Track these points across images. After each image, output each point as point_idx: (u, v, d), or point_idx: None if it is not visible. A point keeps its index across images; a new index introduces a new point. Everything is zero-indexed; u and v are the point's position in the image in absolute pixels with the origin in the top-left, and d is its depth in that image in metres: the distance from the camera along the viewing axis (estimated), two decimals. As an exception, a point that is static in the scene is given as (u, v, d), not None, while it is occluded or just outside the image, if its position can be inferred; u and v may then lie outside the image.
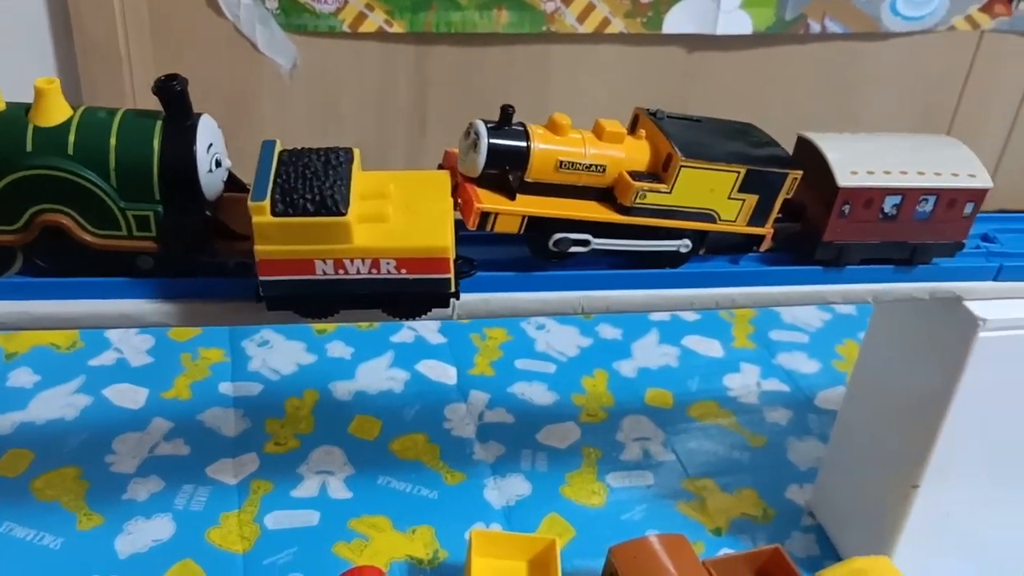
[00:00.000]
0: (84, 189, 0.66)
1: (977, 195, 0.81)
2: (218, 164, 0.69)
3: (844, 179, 0.78)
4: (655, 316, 1.45)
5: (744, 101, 1.59)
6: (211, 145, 0.68)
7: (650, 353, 1.38)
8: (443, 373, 1.30)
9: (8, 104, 0.66)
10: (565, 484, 1.12)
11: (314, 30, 1.35)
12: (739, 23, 1.48)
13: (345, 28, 1.36)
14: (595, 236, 0.74)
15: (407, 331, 1.37)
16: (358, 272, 0.66)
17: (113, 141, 0.66)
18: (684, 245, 0.77)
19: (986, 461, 0.93)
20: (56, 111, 0.66)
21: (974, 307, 0.85)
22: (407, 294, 0.67)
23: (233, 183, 0.72)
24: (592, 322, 1.43)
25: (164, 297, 0.70)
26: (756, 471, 1.17)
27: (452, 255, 0.66)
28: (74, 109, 0.67)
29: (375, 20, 1.36)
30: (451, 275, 0.67)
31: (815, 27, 1.53)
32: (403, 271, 0.66)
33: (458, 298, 0.69)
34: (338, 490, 1.08)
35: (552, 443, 1.19)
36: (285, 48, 1.36)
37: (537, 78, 1.48)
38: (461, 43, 1.42)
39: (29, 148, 0.65)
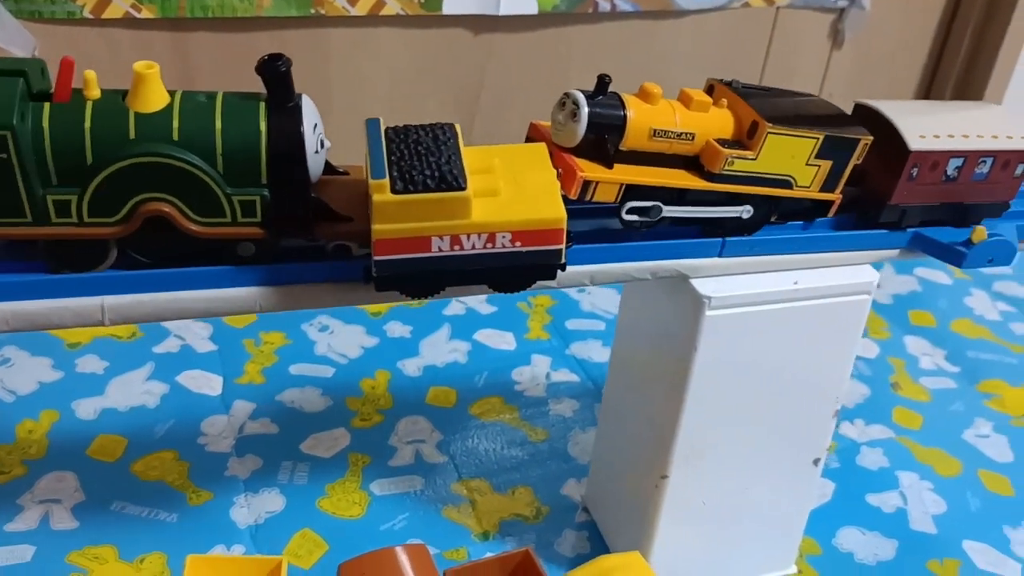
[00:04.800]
0: (190, 176, 0.64)
1: None
2: (322, 145, 0.67)
3: (915, 143, 0.80)
4: (448, 311, 1.39)
5: (540, 83, 1.54)
6: (316, 125, 0.66)
7: (439, 350, 1.31)
8: (207, 384, 1.20)
9: (103, 91, 0.63)
10: (323, 496, 1.04)
11: (51, 17, 1.24)
12: (523, 3, 1.43)
13: (87, 14, 1.24)
14: (679, 204, 0.75)
15: (173, 340, 1.27)
16: (473, 247, 0.66)
17: (219, 125, 0.63)
18: (746, 211, 0.78)
19: (732, 446, 0.89)
20: (156, 96, 0.63)
21: (700, 285, 0.80)
22: (517, 267, 0.68)
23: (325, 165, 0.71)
24: (381, 320, 1.36)
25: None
26: (533, 468, 1.12)
27: (566, 226, 0.67)
28: (171, 94, 0.64)
29: (120, 5, 1.25)
30: (563, 246, 0.67)
31: (604, 5, 1.48)
32: (517, 244, 0.66)
33: (564, 269, 0.69)
34: (62, 520, 0.98)
35: (317, 453, 1.11)
36: (20, 37, 1.24)
37: (314, 63, 1.40)
38: (223, 28, 1.32)
39: (132, 136, 0.62)
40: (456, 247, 0.66)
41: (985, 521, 1.09)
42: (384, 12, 1.37)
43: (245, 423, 1.14)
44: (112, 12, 1.25)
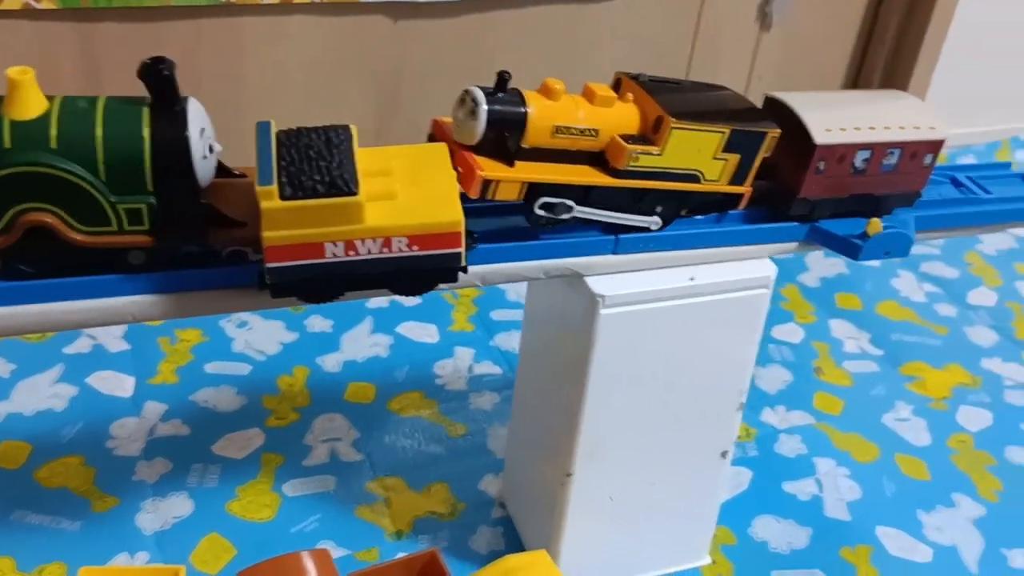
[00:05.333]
0: (71, 185, 0.62)
1: (936, 146, 0.85)
2: (211, 150, 0.66)
3: (820, 137, 0.80)
4: (371, 303, 1.37)
5: (465, 70, 1.51)
6: (203, 130, 0.64)
7: (360, 344, 1.29)
8: (118, 385, 1.17)
9: None
10: (234, 499, 1.03)
11: (-54, 9, 1.19)
12: (442, -12, 1.40)
13: (-16, 6, 1.20)
14: (586, 201, 0.75)
15: (84, 339, 1.24)
16: (369, 252, 0.65)
17: (99, 132, 0.62)
18: (654, 222, 0.78)
19: (637, 442, 0.88)
20: (33, 103, 0.61)
21: (594, 283, 0.79)
22: (416, 271, 0.67)
23: (219, 168, 0.69)
24: (301, 315, 1.33)
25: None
26: (451, 464, 1.11)
27: (463, 229, 0.66)
28: (49, 100, 0.62)
29: (19, -5, 1.21)
30: (463, 249, 0.67)
31: (526, -10, 1.46)
32: (415, 248, 0.66)
33: (466, 271, 0.69)
34: (-41, 532, 0.96)
35: (228, 454, 1.09)
36: (-87, 30, 1.20)
37: (229, 52, 1.36)
38: (130, 18, 1.28)
39: (7, 144, 0.60)
40: (351, 252, 0.65)
41: (899, 506, 1.10)
42: (299, 0, 1.34)
43: (156, 425, 1.12)
44: (10, 3, 1.21)
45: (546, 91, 0.72)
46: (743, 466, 1.14)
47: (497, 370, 1.27)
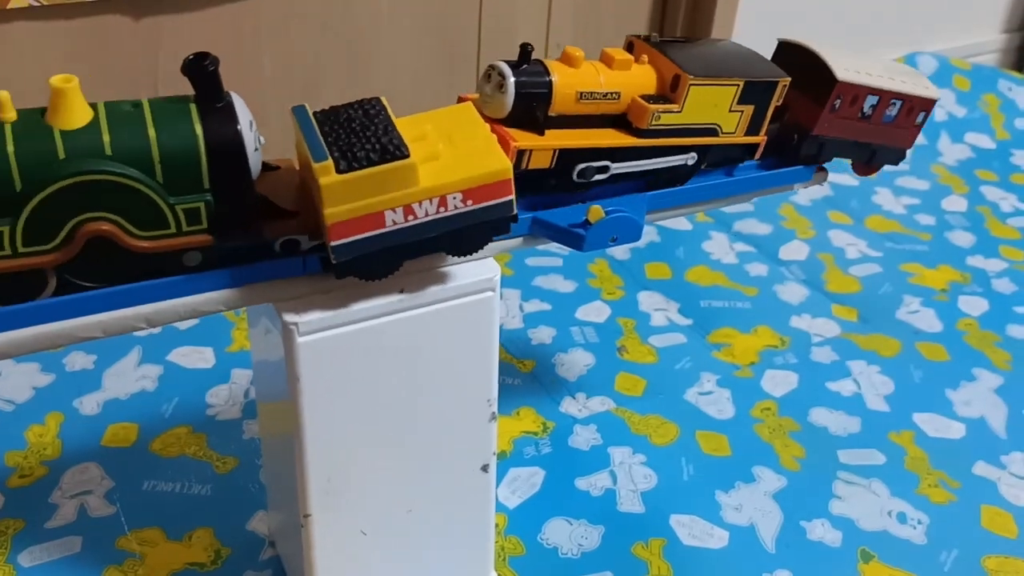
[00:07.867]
0: (130, 190, 0.61)
1: (929, 104, 0.91)
2: (260, 142, 0.65)
3: (841, 73, 0.84)
4: (140, 332, 1.25)
5: (231, 64, 1.39)
6: (251, 122, 0.64)
7: (125, 379, 1.18)
8: None
9: (19, 111, 0.59)
10: (-43, 581, 0.91)
11: None
12: (182, -21, 1.28)
13: None
14: (612, 161, 0.78)
15: None
16: (426, 214, 0.66)
17: (152, 133, 0.61)
18: (691, 158, 0.81)
19: (381, 471, 0.80)
20: (78, 111, 0.60)
21: (287, 310, 0.70)
22: (472, 227, 0.67)
23: None
24: (60, 354, 1.21)
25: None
26: (217, 505, 1.01)
27: (512, 176, 0.67)
28: (91, 107, 0.61)
29: None
30: (513, 197, 0.67)
31: (283, -27, 1.35)
32: (469, 202, 0.66)
33: (516, 221, 0.69)
34: None
35: (-42, 527, 0.97)
36: None
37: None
38: None
39: (61, 155, 0.59)
40: (410, 217, 0.65)
41: (696, 490, 1.05)
42: (13, 5, 1.20)
43: None
44: None
45: (567, 59, 0.76)
46: (536, 465, 1.08)
47: (277, 390, 1.17)
